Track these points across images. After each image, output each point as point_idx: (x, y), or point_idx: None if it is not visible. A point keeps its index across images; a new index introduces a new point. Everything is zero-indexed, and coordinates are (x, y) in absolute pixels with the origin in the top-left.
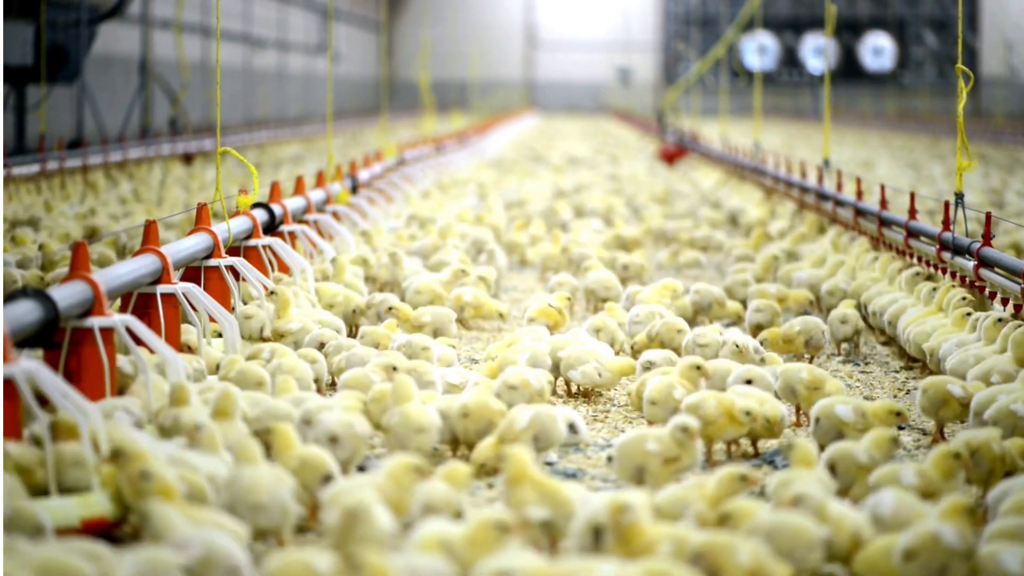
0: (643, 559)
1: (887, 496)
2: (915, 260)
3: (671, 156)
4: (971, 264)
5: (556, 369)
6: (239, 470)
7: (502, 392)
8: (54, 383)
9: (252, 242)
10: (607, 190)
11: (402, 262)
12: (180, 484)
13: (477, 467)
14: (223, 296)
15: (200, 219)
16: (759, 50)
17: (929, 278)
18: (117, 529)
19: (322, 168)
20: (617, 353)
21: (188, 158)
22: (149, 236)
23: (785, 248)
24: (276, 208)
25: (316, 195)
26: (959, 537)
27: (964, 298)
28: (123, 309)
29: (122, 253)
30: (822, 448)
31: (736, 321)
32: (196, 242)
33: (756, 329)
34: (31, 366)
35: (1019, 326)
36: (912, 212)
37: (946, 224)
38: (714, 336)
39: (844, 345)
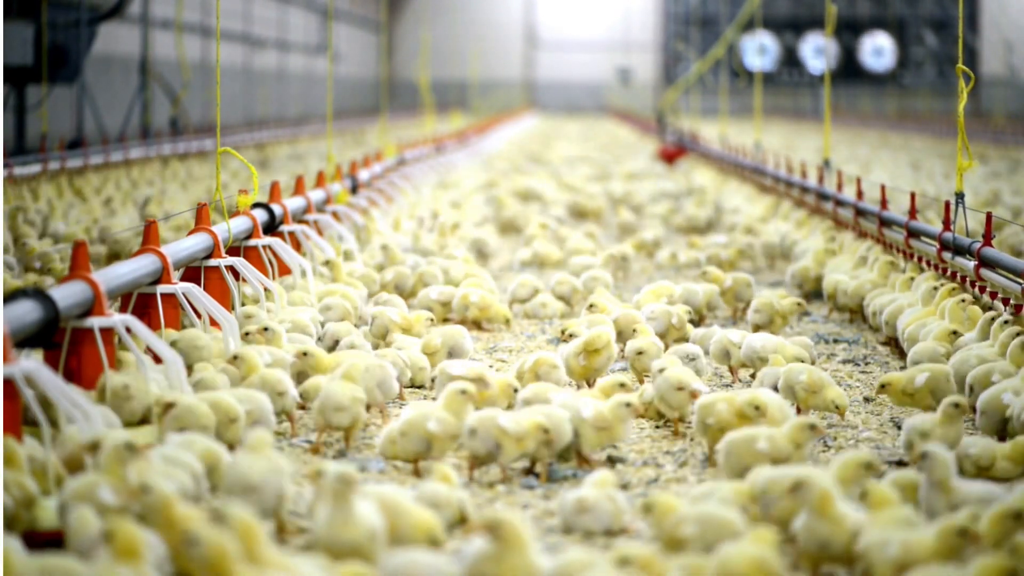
0: None
1: None
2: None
3: (671, 156)
4: (971, 264)
5: None
6: (239, 456)
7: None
8: (54, 383)
9: (252, 242)
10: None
11: (396, 256)
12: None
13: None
14: (223, 296)
15: (200, 219)
16: (759, 50)
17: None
18: None
19: (322, 168)
20: None
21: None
22: (149, 236)
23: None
24: (276, 208)
25: (316, 195)
26: None
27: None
28: (123, 309)
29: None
30: None
31: (736, 322)
32: (196, 242)
33: (755, 329)
34: (31, 366)
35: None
36: (912, 212)
37: (946, 224)
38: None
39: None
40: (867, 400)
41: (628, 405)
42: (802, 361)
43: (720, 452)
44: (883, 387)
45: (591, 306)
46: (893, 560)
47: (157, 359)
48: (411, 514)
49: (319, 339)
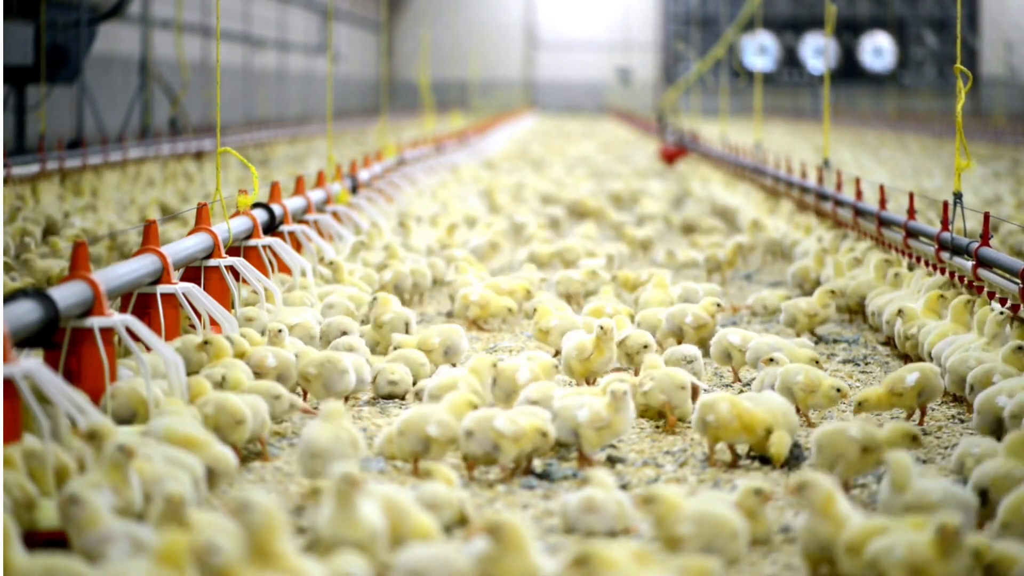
0: None
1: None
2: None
3: (671, 156)
4: (969, 264)
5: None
6: (310, 425)
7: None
8: (54, 383)
9: (252, 242)
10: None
11: (397, 252)
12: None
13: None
14: (223, 296)
15: (200, 219)
16: (759, 50)
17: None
18: None
19: (322, 168)
20: None
21: (198, 155)
22: (149, 236)
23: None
24: (276, 208)
25: (316, 195)
26: None
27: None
28: (123, 309)
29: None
30: None
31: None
32: (196, 242)
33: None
34: (31, 366)
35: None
36: (911, 212)
37: (944, 224)
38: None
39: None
40: None
41: (624, 393)
42: (817, 363)
43: (813, 444)
44: (860, 405)
45: (535, 311)
46: (900, 562)
47: None
48: (413, 513)
49: (319, 337)
